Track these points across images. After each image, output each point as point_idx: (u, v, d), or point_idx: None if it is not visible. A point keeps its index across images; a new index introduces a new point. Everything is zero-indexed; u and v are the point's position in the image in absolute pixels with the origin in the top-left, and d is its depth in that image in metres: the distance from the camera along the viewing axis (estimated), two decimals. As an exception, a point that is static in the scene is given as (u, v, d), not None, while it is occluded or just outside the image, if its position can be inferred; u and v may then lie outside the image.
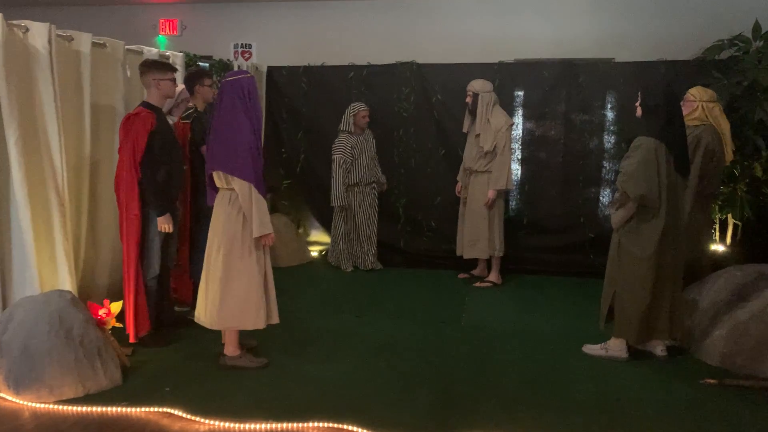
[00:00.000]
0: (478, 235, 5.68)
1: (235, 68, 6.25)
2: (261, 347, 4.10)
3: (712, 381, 3.72)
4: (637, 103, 3.98)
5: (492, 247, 5.69)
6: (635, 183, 3.75)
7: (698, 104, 4.59)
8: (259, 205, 3.65)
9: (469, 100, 5.59)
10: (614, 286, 4.01)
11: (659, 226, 3.81)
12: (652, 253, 3.82)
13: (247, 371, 3.83)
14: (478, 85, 5.54)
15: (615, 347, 4.08)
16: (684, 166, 3.90)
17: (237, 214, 3.70)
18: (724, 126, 4.65)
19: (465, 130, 5.80)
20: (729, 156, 4.70)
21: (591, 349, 4.18)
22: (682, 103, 4.69)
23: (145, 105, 4.09)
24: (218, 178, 3.74)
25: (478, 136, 5.56)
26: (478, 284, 5.81)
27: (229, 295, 3.73)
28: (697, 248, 4.73)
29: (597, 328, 4.21)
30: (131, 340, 4.07)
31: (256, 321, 3.78)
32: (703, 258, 4.76)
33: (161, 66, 4.17)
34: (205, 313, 3.83)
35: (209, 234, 3.83)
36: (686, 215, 4.22)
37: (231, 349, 3.89)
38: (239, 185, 3.63)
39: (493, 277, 5.83)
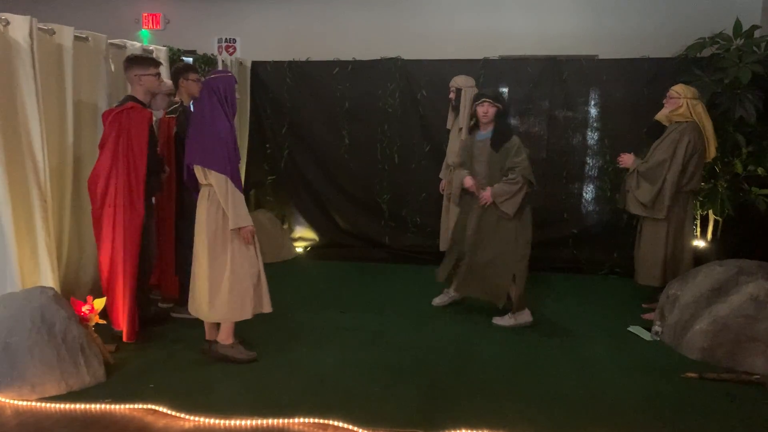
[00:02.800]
0: None
1: (219, 64, 6.22)
2: (245, 343, 4.09)
3: (692, 375, 3.77)
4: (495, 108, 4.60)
5: None
6: (530, 172, 4.55)
7: (683, 101, 4.70)
8: (234, 197, 3.70)
9: (452, 95, 5.56)
10: (513, 269, 4.60)
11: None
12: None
13: (235, 363, 3.85)
14: (461, 80, 5.52)
15: (522, 316, 4.70)
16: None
17: (217, 208, 3.75)
18: (707, 123, 4.73)
19: (449, 126, 5.79)
20: (712, 153, 4.78)
21: (502, 320, 4.72)
22: (665, 101, 4.78)
23: (133, 100, 4.07)
24: (199, 174, 3.79)
25: (461, 130, 5.57)
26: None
27: (216, 288, 3.77)
28: (679, 243, 4.80)
29: (580, 322, 4.26)
30: (130, 339, 4.05)
31: (242, 312, 3.81)
32: (684, 253, 4.83)
33: (143, 61, 4.17)
34: (197, 306, 3.88)
35: (195, 230, 3.86)
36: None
37: (224, 336, 3.92)
38: (215, 178, 3.69)
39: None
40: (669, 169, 4.65)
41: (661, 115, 4.87)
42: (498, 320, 4.73)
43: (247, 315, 3.84)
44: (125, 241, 3.99)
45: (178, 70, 4.64)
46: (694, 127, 4.67)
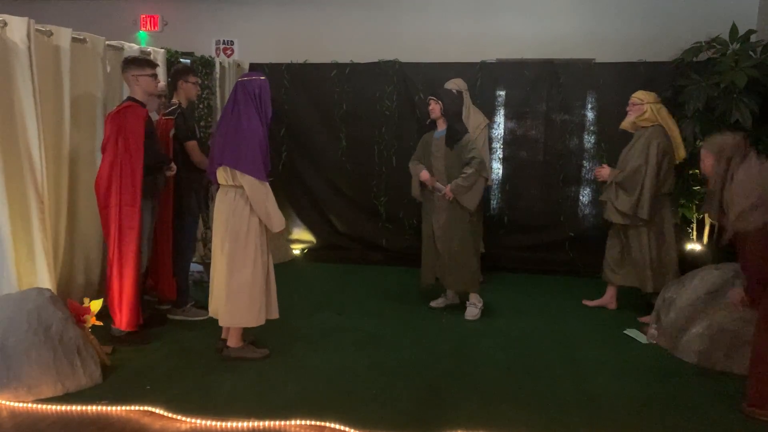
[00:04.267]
0: None
1: (217, 66, 6.22)
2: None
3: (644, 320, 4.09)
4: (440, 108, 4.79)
5: None
6: (484, 167, 4.84)
7: (647, 106, 4.81)
8: (273, 201, 3.78)
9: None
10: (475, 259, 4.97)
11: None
12: None
13: (248, 362, 3.92)
14: (458, 83, 5.53)
15: (478, 299, 4.98)
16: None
17: (241, 210, 3.75)
18: (672, 125, 4.85)
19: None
20: (681, 154, 4.88)
21: (471, 314, 4.91)
22: (628, 108, 4.92)
23: (132, 100, 4.14)
24: (223, 175, 3.78)
25: None
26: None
27: (233, 293, 3.79)
28: (662, 246, 4.84)
29: (576, 325, 4.26)
30: (131, 328, 4.08)
31: (258, 318, 3.86)
32: (669, 255, 4.88)
33: (139, 62, 4.23)
34: (215, 308, 3.94)
35: (213, 231, 3.90)
36: None
37: (234, 341, 3.95)
38: (250, 183, 3.68)
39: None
40: (646, 174, 4.71)
41: (626, 123, 4.97)
42: (469, 316, 4.92)
43: (261, 321, 3.88)
44: (126, 239, 4.01)
45: (178, 72, 4.65)
46: (660, 131, 4.77)
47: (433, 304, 5.18)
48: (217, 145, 3.81)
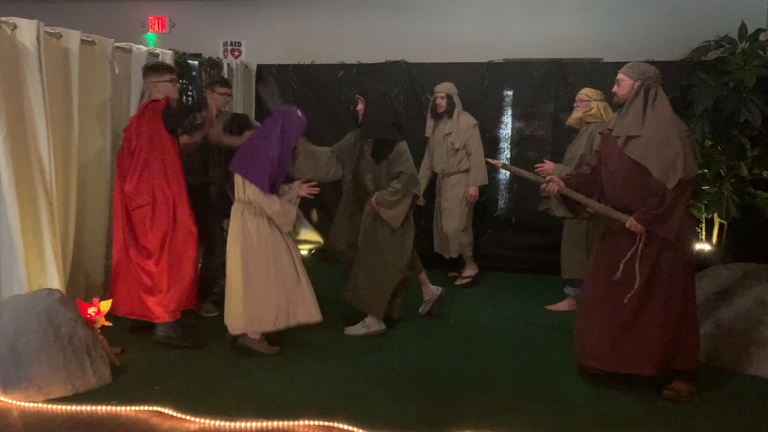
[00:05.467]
0: (455, 235, 5.73)
1: (224, 67, 6.23)
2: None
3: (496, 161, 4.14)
4: (359, 108, 4.53)
5: (464, 245, 5.77)
6: (414, 182, 4.44)
7: (593, 103, 4.87)
8: (271, 200, 3.92)
9: (443, 101, 5.62)
10: (389, 282, 4.48)
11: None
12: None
13: (259, 356, 3.99)
14: (450, 87, 5.63)
15: (376, 323, 4.50)
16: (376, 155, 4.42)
17: (251, 224, 3.94)
18: None
19: (428, 134, 5.85)
20: None
21: (354, 330, 4.49)
22: (576, 105, 4.96)
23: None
24: (238, 186, 3.99)
25: (449, 134, 5.62)
26: (458, 282, 5.85)
27: (249, 299, 3.93)
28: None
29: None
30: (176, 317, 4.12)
31: (276, 322, 3.97)
32: None
33: (157, 68, 4.30)
34: (227, 318, 4.03)
35: (228, 243, 4.03)
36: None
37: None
38: (254, 191, 3.90)
39: (470, 270, 5.89)
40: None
41: (573, 120, 5.02)
42: (351, 331, 4.52)
43: (281, 325, 4.00)
44: (187, 241, 4.12)
45: (206, 82, 4.69)
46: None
47: (421, 311, 4.98)
48: (236, 156, 4.04)
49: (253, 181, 3.90)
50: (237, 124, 4.78)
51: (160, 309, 4.05)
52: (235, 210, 4.01)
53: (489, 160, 4.47)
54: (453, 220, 5.69)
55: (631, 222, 3.42)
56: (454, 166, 5.64)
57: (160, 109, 4.08)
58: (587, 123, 4.90)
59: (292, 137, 4.03)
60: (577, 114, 4.96)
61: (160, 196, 4.04)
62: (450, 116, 5.62)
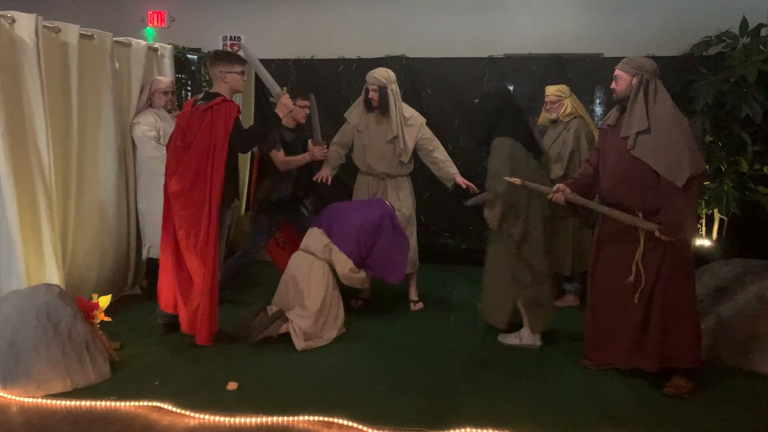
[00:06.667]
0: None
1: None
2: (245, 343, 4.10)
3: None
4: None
5: (414, 261, 4.99)
6: (498, 181, 3.91)
7: (566, 100, 4.83)
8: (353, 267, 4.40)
9: (374, 95, 4.70)
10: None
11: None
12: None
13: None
14: (384, 74, 4.72)
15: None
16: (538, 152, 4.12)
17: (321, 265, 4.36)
18: (587, 115, 4.92)
19: (361, 129, 4.88)
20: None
21: (505, 338, 4.30)
22: (548, 107, 4.92)
23: (218, 95, 3.90)
24: (315, 240, 4.43)
25: (395, 138, 4.75)
26: (413, 307, 5.09)
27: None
28: (585, 233, 4.81)
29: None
30: (206, 342, 3.95)
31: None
32: (585, 239, 4.82)
33: (230, 58, 4.02)
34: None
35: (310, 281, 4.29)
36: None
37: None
38: (343, 262, 4.37)
39: (414, 294, 5.13)
40: (581, 161, 4.61)
41: (545, 119, 5.00)
42: (502, 337, 4.38)
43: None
44: (209, 239, 3.88)
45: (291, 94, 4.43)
46: (584, 123, 4.81)
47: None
48: (325, 215, 4.45)
49: (345, 251, 4.30)
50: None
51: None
52: (305, 259, 4.31)
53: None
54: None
55: (661, 233, 3.36)
56: (402, 168, 4.96)
57: (231, 117, 3.82)
58: (566, 121, 4.86)
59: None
60: (551, 116, 4.92)
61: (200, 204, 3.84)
62: (384, 111, 4.81)
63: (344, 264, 4.30)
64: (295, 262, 4.36)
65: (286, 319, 4.14)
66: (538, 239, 4.08)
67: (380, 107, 4.71)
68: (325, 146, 4.76)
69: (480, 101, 4.20)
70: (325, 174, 4.89)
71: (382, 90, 4.68)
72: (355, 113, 4.94)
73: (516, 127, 4.04)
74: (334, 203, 4.64)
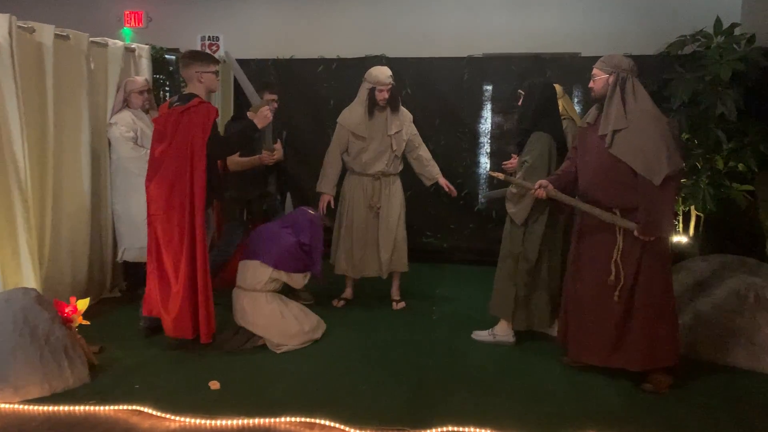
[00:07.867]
0: (399, 248, 5.01)
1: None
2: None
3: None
4: (520, 102, 4.19)
5: (403, 262, 5.04)
6: (536, 175, 3.92)
7: (559, 101, 4.76)
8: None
9: (385, 95, 4.72)
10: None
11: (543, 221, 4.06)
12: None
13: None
14: (389, 72, 4.76)
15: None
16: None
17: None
18: (576, 116, 4.88)
19: (361, 131, 4.82)
20: None
21: (478, 335, 4.36)
22: None
23: (195, 97, 3.87)
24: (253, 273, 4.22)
25: (398, 133, 4.84)
26: (396, 306, 5.08)
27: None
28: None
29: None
30: (208, 341, 3.96)
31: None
32: None
33: (204, 58, 3.97)
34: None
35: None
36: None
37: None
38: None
39: (396, 293, 5.14)
40: None
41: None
42: (476, 334, 4.45)
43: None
44: (194, 241, 3.84)
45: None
46: (573, 124, 4.75)
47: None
48: (256, 243, 4.21)
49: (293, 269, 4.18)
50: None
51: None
52: (247, 297, 4.14)
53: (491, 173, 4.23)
54: (394, 234, 5.09)
55: (639, 232, 3.39)
56: (397, 167, 5.02)
57: (209, 119, 3.78)
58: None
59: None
60: None
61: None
62: (396, 110, 4.91)
63: (299, 281, 4.26)
64: (237, 301, 4.18)
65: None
66: (556, 245, 4.16)
67: (391, 105, 4.76)
68: (274, 152, 4.52)
69: (525, 94, 4.17)
70: (324, 202, 4.92)
71: (393, 89, 4.74)
72: (353, 117, 4.85)
73: (554, 123, 4.14)
74: (258, 227, 4.42)
